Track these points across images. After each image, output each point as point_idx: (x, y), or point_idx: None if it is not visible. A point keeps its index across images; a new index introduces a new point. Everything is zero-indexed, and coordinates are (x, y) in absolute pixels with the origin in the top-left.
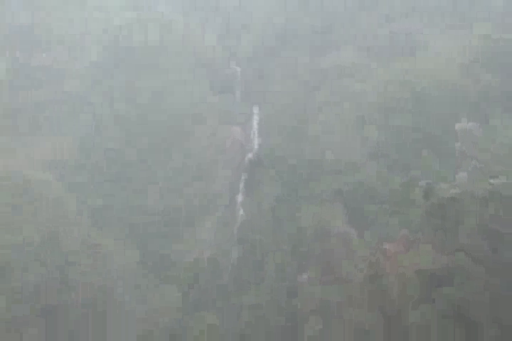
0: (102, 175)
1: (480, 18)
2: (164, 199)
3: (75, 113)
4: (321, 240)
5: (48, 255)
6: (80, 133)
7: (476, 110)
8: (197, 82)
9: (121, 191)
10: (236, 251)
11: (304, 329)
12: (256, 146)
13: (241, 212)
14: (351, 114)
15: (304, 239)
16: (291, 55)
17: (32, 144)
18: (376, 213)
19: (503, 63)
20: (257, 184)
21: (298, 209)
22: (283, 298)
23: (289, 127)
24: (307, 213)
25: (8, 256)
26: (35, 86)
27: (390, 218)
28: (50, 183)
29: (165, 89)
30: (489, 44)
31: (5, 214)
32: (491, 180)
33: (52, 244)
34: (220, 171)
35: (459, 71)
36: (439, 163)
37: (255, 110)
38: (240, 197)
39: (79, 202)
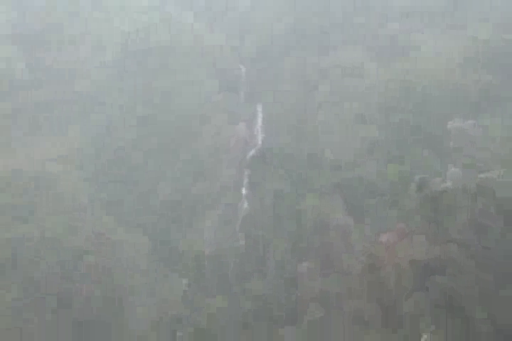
0: (113, 172)
1: (480, 18)
2: (173, 194)
3: (87, 112)
4: (321, 232)
5: (63, 245)
6: (92, 131)
7: (475, 109)
8: (204, 82)
9: (132, 187)
10: (240, 241)
11: (303, 316)
12: (260, 142)
13: (245, 204)
14: (351, 113)
15: (304, 229)
16: (296, 55)
17: (47, 141)
18: (374, 206)
19: (503, 63)
20: (260, 178)
21: (298, 202)
22: (284, 284)
23: (290, 125)
24: (307, 206)
25: (26, 244)
26: (49, 85)
27: (387, 211)
28: (65, 178)
29: (173, 89)
30: (489, 44)
31: (24, 206)
32: (481, 175)
33: (67, 235)
34: (226, 166)
35: (458, 71)
36: (435, 160)
37: (259, 108)
38: (244, 191)
39: (93, 196)
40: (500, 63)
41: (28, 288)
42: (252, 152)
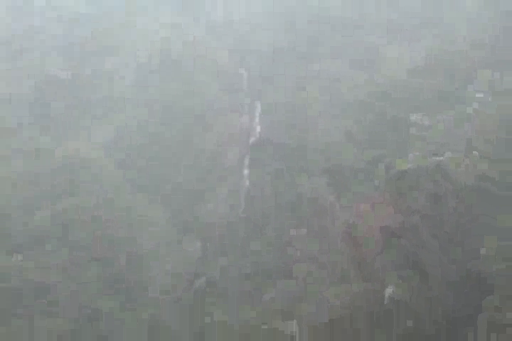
0: (140, 159)
1: (432, 34)
2: (188, 175)
3: (118, 111)
4: (311, 204)
5: (99, 216)
6: (122, 126)
7: (431, 106)
8: (211, 85)
9: (155, 170)
10: (243, 211)
11: (292, 267)
12: (258, 132)
13: (247, 182)
14: (333, 109)
15: (297, 202)
16: (289, 63)
17: (88, 134)
18: (352, 184)
19: (446, 69)
20: (259, 162)
21: (291, 181)
22: (279, 246)
23: (283, 119)
24: (298, 184)
25: (70, 215)
26: (89, 88)
27: (363, 188)
28: (102, 163)
29: (186, 91)
30: (436, 54)
31: (71, 183)
32: (436, 158)
33: (102, 207)
34: (232, 151)
35: (417, 76)
36: (401, 147)
37: (258, 105)
38: (246, 171)
39: (123, 177)
40: (444, 69)
41: (76, 251)
42: (252, 140)
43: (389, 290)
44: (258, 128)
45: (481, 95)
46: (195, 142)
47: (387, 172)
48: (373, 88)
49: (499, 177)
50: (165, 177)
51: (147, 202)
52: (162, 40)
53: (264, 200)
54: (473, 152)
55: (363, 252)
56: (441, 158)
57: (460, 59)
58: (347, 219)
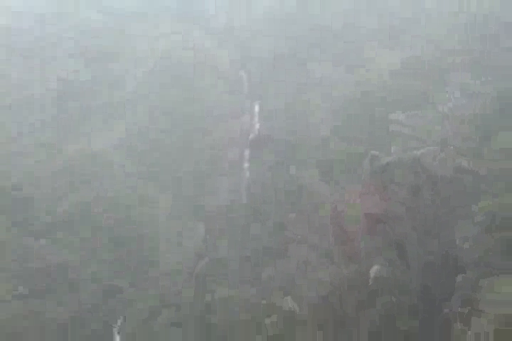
0: (151, 154)
1: (416, 39)
2: (193, 167)
3: (130, 111)
4: (304, 192)
5: (116, 204)
6: (134, 125)
7: (410, 104)
8: (215, 86)
9: (165, 165)
10: (244, 199)
11: (288, 249)
12: (257, 129)
13: (247, 173)
14: (322, 107)
15: (293, 191)
16: (285, 66)
17: (102, 132)
18: (340, 175)
19: (424, 71)
20: (258, 155)
21: (287, 172)
22: (276, 229)
23: (280, 117)
24: (292, 175)
25: (88, 203)
26: (105, 90)
27: (350, 179)
28: (116, 158)
29: (191, 92)
30: (420, 59)
31: (89, 175)
32: (415, 152)
33: (120, 196)
34: (233, 146)
35: (400, 77)
36: (384, 142)
37: (257, 105)
38: (246, 164)
39: (135, 169)
40: (427, 72)
41: (96, 233)
42: (251, 136)
43: (374, 270)
44: (257, 126)
45: (456, 96)
46: (200, 139)
47: (371, 165)
48: (359, 89)
49: (474, 169)
50: (173, 172)
51: (157, 191)
52: (163, 47)
53: (263, 189)
54: (449, 147)
55: (350, 236)
56: (420, 152)
57: (436, 63)
58: (335, 207)
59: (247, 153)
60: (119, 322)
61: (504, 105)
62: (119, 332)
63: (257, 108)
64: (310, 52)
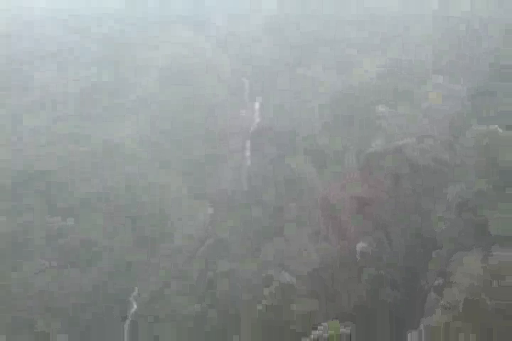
0: (162, 144)
1: (398, 44)
2: (199, 156)
3: (143, 108)
4: (298, 179)
5: (133, 186)
6: (147, 119)
7: (391, 101)
8: (217, 89)
9: (174, 152)
10: (245, 186)
11: (284, 228)
12: (257, 122)
13: (248, 162)
14: (314, 104)
15: (289, 178)
16: (282, 70)
17: (118, 124)
18: (330, 164)
19: (405, 73)
20: (258, 146)
21: (283, 161)
22: (273, 212)
23: (278, 112)
24: (289, 163)
25: (109, 187)
26: (123, 91)
27: (339, 167)
28: (130, 148)
29: (196, 94)
30: (397, 63)
31: (108, 163)
32: (397, 142)
33: (134, 180)
34: (235, 137)
35: (383, 78)
36: (368, 134)
37: (257, 102)
38: (247, 153)
39: (149, 157)
40: (408, 73)
41: (114, 213)
42: (252, 128)
43: (360, 246)
44: (257, 120)
45: (433, 95)
46: (206, 131)
47: (357, 154)
48: (347, 89)
49: (449, 159)
50: (182, 159)
51: (168, 177)
52: (172, 52)
53: (262, 176)
54: (427, 139)
55: (338, 217)
56: (401, 143)
57: (416, 66)
58: (326, 192)
59: (248, 143)
60: (135, 290)
61: (475, 103)
62: (135, 299)
63: (257, 105)
64: (304, 57)
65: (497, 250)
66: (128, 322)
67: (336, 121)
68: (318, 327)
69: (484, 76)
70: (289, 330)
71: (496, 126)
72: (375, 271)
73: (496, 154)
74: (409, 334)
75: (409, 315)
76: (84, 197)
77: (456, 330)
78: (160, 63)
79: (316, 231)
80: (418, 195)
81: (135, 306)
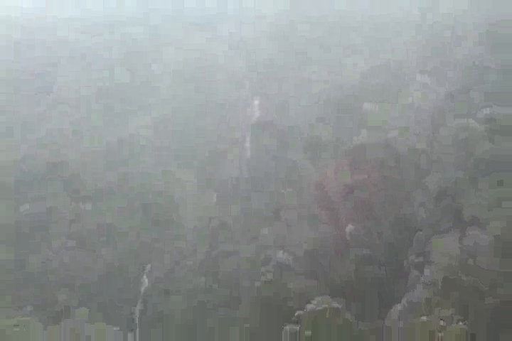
0: (175, 137)
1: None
2: (204, 148)
3: (157, 103)
4: (295, 168)
5: (147, 173)
6: (160, 114)
7: (378, 99)
8: (222, 88)
9: (185, 141)
10: (246, 174)
11: (281, 213)
12: (256, 117)
13: (248, 153)
14: (308, 99)
15: (285, 166)
16: (280, 73)
17: (134, 119)
18: (323, 154)
19: (393, 72)
20: (258, 138)
21: (280, 151)
22: (273, 198)
23: (276, 107)
24: (286, 154)
25: (125, 174)
26: (138, 90)
27: (330, 155)
28: (146, 138)
29: (205, 92)
30: (385, 61)
31: (122, 154)
32: (381, 135)
33: (147, 170)
34: (237, 129)
35: (368, 78)
36: (355, 127)
37: (257, 99)
38: (247, 144)
39: (162, 150)
40: (394, 73)
41: (130, 199)
42: (252, 122)
43: (349, 228)
44: (257, 114)
45: (416, 93)
46: (212, 124)
47: (347, 145)
48: (339, 87)
49: (429, 151)
50: (191, 150)
51: (179, 167)
52: (185, 60)
53: (261, 165)
54: (409, 132)
55: (330, 200)
56: (386, 135)
57: (402, 66)
58: (319, 178)
59: (248, 136)
60: (147, 268)
61: (453, 100)
62: (147, 276)
63: (256, 102)
64: (300, 60)
65: (471, 231)
66: (140, 295)
67: (329, 116)
68: (312, 302)
69: (462, 76)
70: (285, 305)
71: (473, 121)
72: (363, 251)
73: (473, 147)
74: (392, 308)
75: (393, 291)
76: (103, 185)
77: (435, 305)
78: (172, 68)
79: (311, 215)
80: (401, 183)
81: (147, 282)
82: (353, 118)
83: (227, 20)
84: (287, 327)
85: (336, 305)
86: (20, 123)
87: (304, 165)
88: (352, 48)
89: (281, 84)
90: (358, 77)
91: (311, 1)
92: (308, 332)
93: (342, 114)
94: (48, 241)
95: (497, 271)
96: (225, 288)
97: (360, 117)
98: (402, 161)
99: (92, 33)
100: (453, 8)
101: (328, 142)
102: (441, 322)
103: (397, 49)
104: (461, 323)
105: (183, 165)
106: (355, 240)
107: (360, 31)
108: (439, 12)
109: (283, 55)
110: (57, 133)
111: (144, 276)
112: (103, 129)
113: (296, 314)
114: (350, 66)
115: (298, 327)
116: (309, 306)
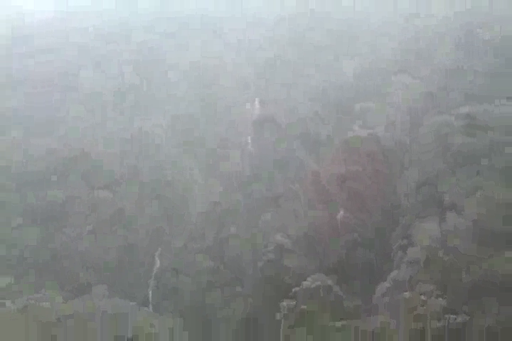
0: (184, 134)
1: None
2: (212, 143)
3: (169, 102)
4: (293, 160)
5: (160, 165)
6: (171, 113)
7: (365, 97)
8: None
9: (195, 136)
10: (248, 168)
11: (280, 200)
12: (257, 114)
13: (249, 146)
14: (306, 95)
15: (286, 159)
16: (279, 76)
17: (150, 116)
18: (319, 147)
19: (378, 73)
20: (259, 133)
21: (279, 145)
22: (273, 186)
23: (277, 106)
24: (284, 147)
25: (140, 165)
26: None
27: (326, 148)
28: (159, 135)
29: (212, 92)
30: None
31: (138, 146)
32: (370, 130)
33: (160, 161)
34: (239, 126)
35: (357, 79)
36: (349, 122)
37: (257, 99)
38: (249, 140)
39: (174, 143)
40: (379, 74)
41: (143, 188)
42: (253, 118)
43: (341, 214)
44: (257, 111)
45: (398, 92)
46: (219, 121)
47: (340, 139)
48: (332, 87)
49: (410, 144)
50: (201, 144)
51: (189, 160)
52: (196, 61)
53: (262, 158)
54: (393, 127)
55: (324, 188)
56: (374, 130)
57: (387, 67)
58: (315, 169)
59: (250, 130)
60: (159, 250)
61: (434, 99)
62: (159, 257)
63: (257, 101)
64: (298, 62)
65: (450, 216)
66: (152, 275)
67: (324, 112)
68: (308, 279)
69: (442, 77)
70: (283, 282)
71: (452, 117)
72: (353, 234)
73: (452, 141)
74: (379, 285)
75: (380, 270)
76: (121, 175)
77: (417, 282)
78: (184, 68)
79: (307, 202)
80: (386, 172)
81: (158, 262)
82: (344, 114)
83: (236, 26)
84: (284, 303)
85: (329, 282)
86: (43, 123)
87: (302, 158)
88: (350, 53)
89: (283, 86)
90: (348, 78)
91: (313, 8)
92: (304, 307)
93: (335, 110)
94: (70, 225)
95: (474, 252)
96: (229, 268)
97: (351, 113)
98: (386, 153)
99: (107, 40)
100: (436, 15)
101: (324, 135)
102: (422, 297)
103: (386, 54)
104: (440, 299)
105: (192, 158)
106: (345, 224)
107: (357, 37)
108: (420, 19)
109: (285, 60)
110: (77, 127)
111: (156, 258)
112: (120, 124)
113: (293, 290)
114: (345, 68)
115: (294, 302)
116: (305, 283)
